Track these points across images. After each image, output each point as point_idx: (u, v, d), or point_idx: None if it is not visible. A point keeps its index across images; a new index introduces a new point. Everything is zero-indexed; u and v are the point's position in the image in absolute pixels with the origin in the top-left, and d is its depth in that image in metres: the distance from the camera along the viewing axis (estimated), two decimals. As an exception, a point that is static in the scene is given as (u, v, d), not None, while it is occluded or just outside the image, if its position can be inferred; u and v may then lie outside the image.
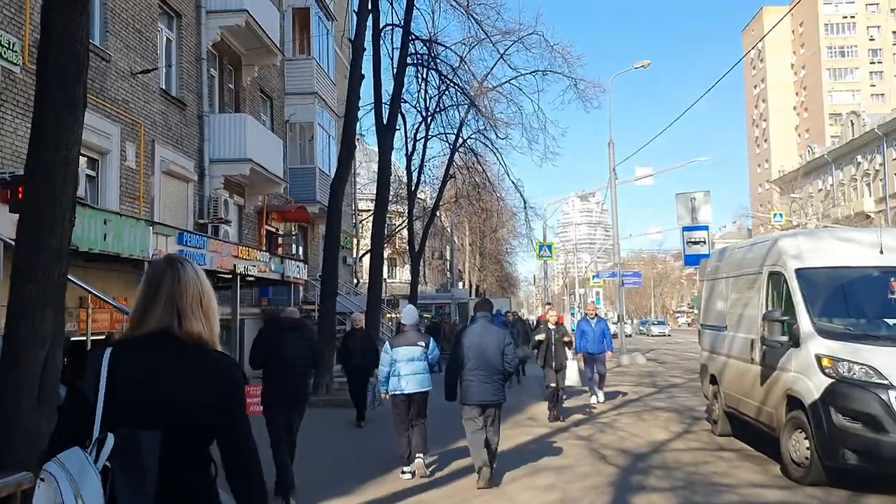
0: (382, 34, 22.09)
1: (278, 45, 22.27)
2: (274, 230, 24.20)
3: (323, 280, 18.09)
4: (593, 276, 45.30)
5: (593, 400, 15.13)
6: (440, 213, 48.21)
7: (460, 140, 30.36)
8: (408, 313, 9.48)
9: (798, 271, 8.59)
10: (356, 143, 39.16)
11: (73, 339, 12.83)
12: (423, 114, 29.34)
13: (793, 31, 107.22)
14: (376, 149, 23.37)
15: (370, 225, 23.92)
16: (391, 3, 24.10)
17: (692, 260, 18.23)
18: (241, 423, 2.48)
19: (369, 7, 19.28)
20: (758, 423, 9.40)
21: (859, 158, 67.21)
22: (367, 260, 28.02)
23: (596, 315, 16.02)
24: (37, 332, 5.92)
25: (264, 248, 20.18)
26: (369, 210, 31.72)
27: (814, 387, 7.71)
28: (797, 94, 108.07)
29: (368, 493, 8.15)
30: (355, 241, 35.21)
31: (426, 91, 27.72)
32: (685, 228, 18.36)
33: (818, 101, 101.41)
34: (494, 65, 29.68)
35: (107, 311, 13.60)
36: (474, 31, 25.84)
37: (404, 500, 7.84)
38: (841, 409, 7.44)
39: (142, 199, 15.48)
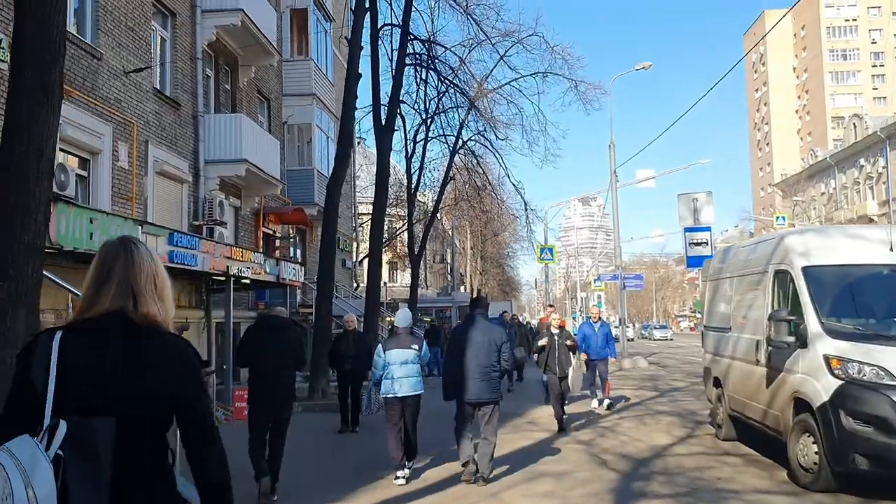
0: (381, 34, 21.84)
1: (275, 46, 22.00)
2: (271, 232, 23.92)
3: (319, 282, 17.81)
4: (595, 280, 44.97)
5: (594, 404, 14.71)
6: (441, 217, 48.00)
7: (460, 142, 30.15)
8: (401, 316, 9.48)
9: (805, 269, 8.29)
10: (356, 146, 39.23)
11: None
12: (423, 115, 29.15)
13: (794, 35, 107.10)
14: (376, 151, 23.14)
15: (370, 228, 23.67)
16: (390, 3, 23.94)
17: (694, 261, 17.92)
18: (200, 408, 2.42)
19: (367, 5, 19.04)
20: (764, 426, 9.09)
21: (862, 161, 66.94)
22: (367, 263, 27.74)
23: (599, 318, 15.53)
24: (8, 332, 5.66)
25: (261, 251, 19.90)
26: (370, 213, 31.53)
27: (822, 389, 7.41)
28: (799, 97, 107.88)
29: (360, 499, 7.90)
30: (355, 244, 34.94)
31: (426, 92, 27.51)
32: (687, 229, 18.05)
33: (820, 105, 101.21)
34: (495, 66, 29.40)
35: (97, 314, 13.35)
36: (474, 32, 25.62)
37: (397, 507, 7.57)
38: (851, 411, 7.14)
39: (134, 200, 15.20)
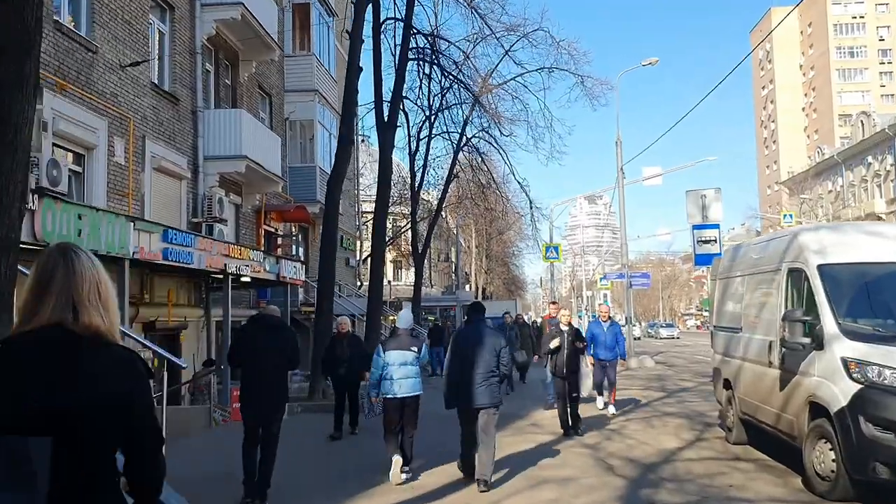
0: (383, 28, 21.55)
1: (276, 41, 21.69)
2: (273, 230, 23.62)
3: (320, 280, 17.49)
4: (601, 279, 44.61)
5: (600, 404, 14.18)
6: (446, 215, 47.68)
7: (464, 139, 29.84)
8: (403, 317, 9.51)
9: (821, 267, 7.93)
10: (361, 144, 38.91)
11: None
12: (426, 112, 28.87)
13: (801, 32, 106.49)
14: (380, 149, 22.83)
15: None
16: (392, -4, 23.62)
17: (703, 259, 17.56)
18: (144, 423, 2.28)
19: (368, -2, 18.73)
20: (777, 431, 8.73)
21: (870, 159, 66.43)
22: (370, 262, 27.47)
23: (608, 317, 14.73)
24: (-21, 332, 5.34)
25: (262, 249, 19.60)
26: (373, 211, 31.26)
27: (840, 393, 7.06)
28: (806, 95, 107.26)
29: (356, 505, 7.58)
30: (358, 243, 34.65)
31: (429, 88, 27.22)
32: (695, 227, 17.67)
33: (827, 102, 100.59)
34: (500, 61, 29.19)
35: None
36: (478, 26, 25.33)
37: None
38: (871, 417, 6.78)
39: (131, 196, 14.90)
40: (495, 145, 30.40)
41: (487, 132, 30.05)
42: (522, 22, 26.85)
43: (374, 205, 23.99)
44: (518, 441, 11.01)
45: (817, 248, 8.18)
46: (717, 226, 17.70)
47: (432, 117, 28.97)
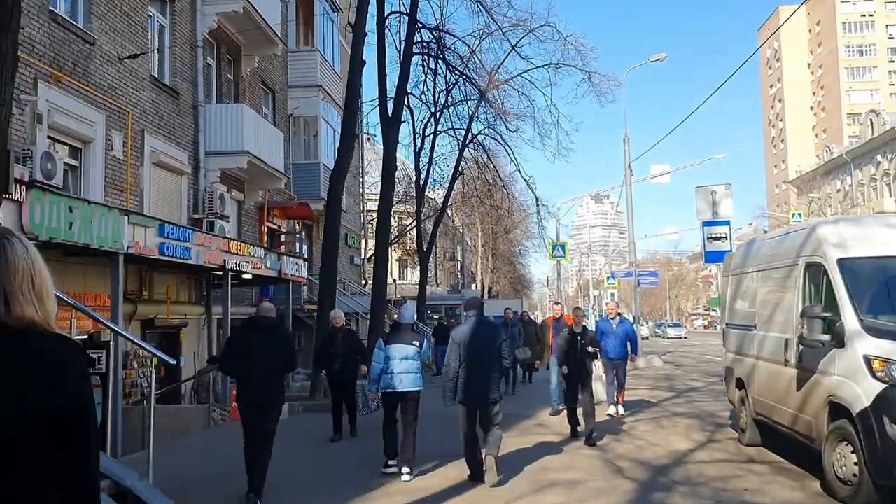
0: (388, 23, 21.22)
1: (279, 35, 21.40)
2: (276, 227, 23.33)
3: (322, 278, 17.17)
4: (608, 278, 44.21)
5: (611, 410, 13.38)
6: (451, 213, 47.37)
7: (470, 136, 29.52)
8: (405, 312, 9.42)
9: (841, 262, 7.57)
10: (367, 142, 38.62)
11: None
12: (432, 108, 28.57)
13: (810, 31, 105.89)
14: (384, 145, 22.52)
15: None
16: (397, -10, 23.31)
17: (713, 257, 17.13)
18: (82, 423, 2.08)
19: (371, -12, 18.42)
20: (794, 432, 8.37)
21: (879, 158, 65.88)
22: (374, 259, 27.20)
23: (618, 315, 14.07)
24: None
25: (265, 246, 19.31)
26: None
27: (863, 393, 6.70)
28: (814, 93, 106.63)
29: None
30: (363, 241, 34.37)
31: (434, 83, 26.92)
32: (705, 223, 17.27)
33: (836, 101, 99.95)
34: (506, 56, 28.82)
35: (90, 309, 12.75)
36: (484, 21, 25.03)
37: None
38: (896, 418, 6.44)
39: (129, 191, 14.62)
40: (501, 142, 30.12)
41: (493, 129, 29.76)
42: (529, 17, 26.47)
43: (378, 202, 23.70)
44: (524, 442, 10.69)
45: (837, 242, 7.82)
46: (727, 222, 17.30)
47: (438, 114, 28.68)
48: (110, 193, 14.00)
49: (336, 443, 11.07)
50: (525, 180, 42.87)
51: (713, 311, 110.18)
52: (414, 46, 21.92)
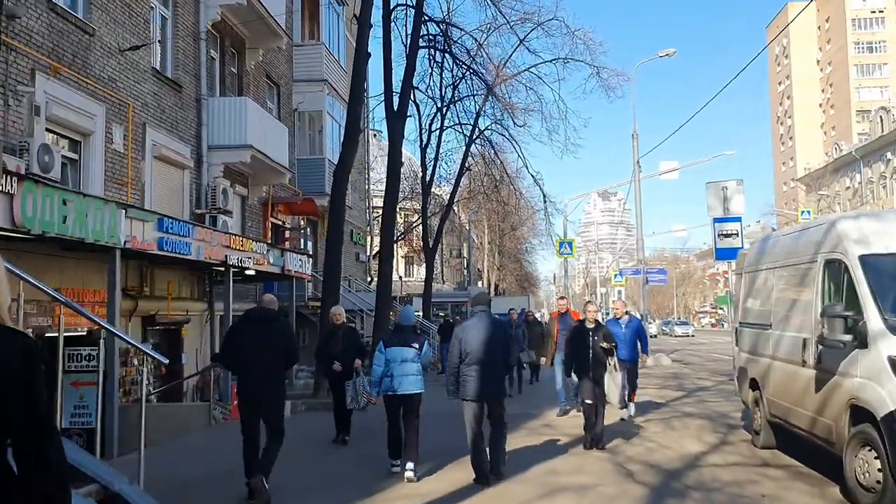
0: (394, 15, 20.94)
1: (284, 28, 21.13)
2: (280, 223, 23.08)
3: (325, 274, 16.91)
4: (615, 275, 43.84)
5: (623, 414, 12.57)
6: (458, 210, 47.08)
7: (477, 131, 29.23)
8: (405, 313, 9.38)
9: (863, 258, 7.24)
10: (373, 138, 38.34)
11: (47, 335, 11.80)
12: (438, 103, 28.29)
13: (819, 27, 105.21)
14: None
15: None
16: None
17: (724, 254, 16.80)
18: (30, 408, 2.21)
19: (376, -20, 18.13)
20: (812, 436, 8.05)
21: (889, 155, 65.46)
22: (378, 255, 26.97)
23: (627, 313, 13.28)
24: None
25: (268, 242, 19.04)
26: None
27: (888, 395, 6.38)
28: (823, 90, 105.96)
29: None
30: (369, 238, 34.12)
31: (441, 78, 26.64)
32: (716, 220, 16.91)
33: (845, 98, 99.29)
34: (514, 51, 28.47)
35: (87, 305, 12.50)
36: (492, 14, 24.74)
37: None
38: (923, 422, 6.13)
39: (130, 185, 14.38)
40: (508, 137, 29.84)
41: (500, 124, 29.47)
42: (537, 11, 26.32)
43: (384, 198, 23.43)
44: (531, 443, 10.40)
45: (858, 238, 7.49)
46: (738, 219, 16.94)
47: (444, 109, 28.42)
48: (110, 187, 13.77)
49: (337, 443, 10.77)
50: (532, 176, 42.56)
51: (720, 308, 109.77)
52: (420, 40, 21.67)
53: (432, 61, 25.86)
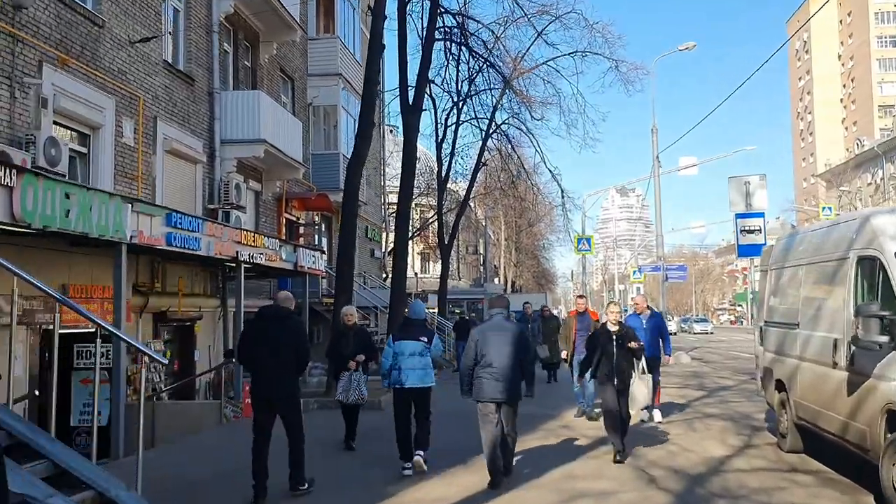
0: (409, 7, 20.60)
1: (298, 21, 20.88)
2: (294, 219, 22.85)
3: (338, 271, 16.62)
4: (634, 272, 43.38)
5: (644, 415, 11.96)
6: (474, 206, 46.76)
7: (493, 125, 28.91)
8: (415, 308, 9.40)
9: (900, 255, 6.87)
10: (389, 134, 38.04)
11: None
12: (455, 97, 27.98)
13: (840, 22, 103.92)
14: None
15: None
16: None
17: (746, 250, 16.42)
18: None
19: (391, -28, 17.82)
20: (843, 441, 7.66)
21: (912, 151, 64.46)
22: (393, 250, 26.71)
23: (648, 308, 12.59)
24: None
25: (281, 237, 18.81)
26: (400, 202, 30.52)
27: (928, 401, 6.03)
28: (844, 85, 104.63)
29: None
30: (385, 234, 33.86)
31: (458, 71, 26.34)
32: (738, 215, 16.51)
33: (867, 93, 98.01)
34: (532, 44, 28.11)
35: (96, 301, 12.31)
36: (509, 7, 24.44)
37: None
38: (966, 430, 5.76)
39: (140, 180, 14.16)
40: (525, 131, 29.48)
41: (518, 117, 29.10)
42: (555, 3, 25.65)
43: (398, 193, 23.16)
44: (548, 445, 10.10)
45: (895, 233, 7.11)
46: (761, 214, 16.54)
47: (460, 103, 28.09)
48: (120, 182, 13.55)
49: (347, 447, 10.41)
50: (550, 171, 42.25)
51: (739, 305, 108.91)
52: (436, 32, 21.35)
53: (448, 54, 25.58)
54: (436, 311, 28.32)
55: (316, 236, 24.76)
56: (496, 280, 57.44)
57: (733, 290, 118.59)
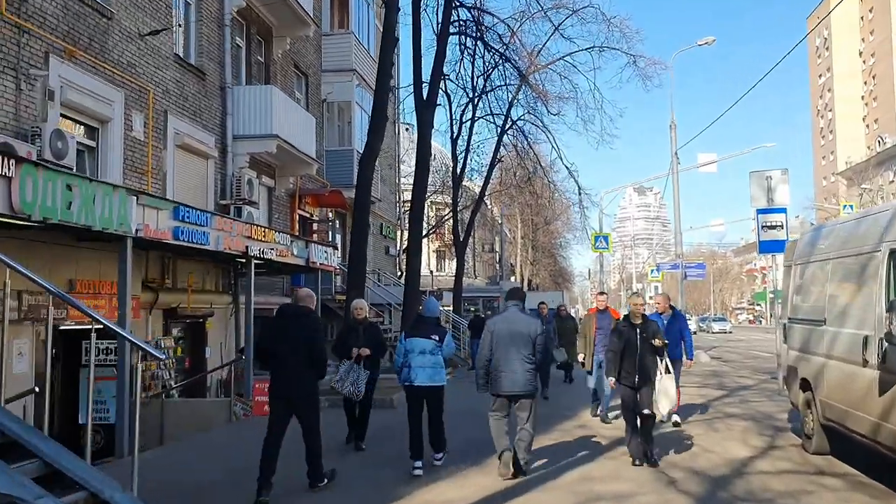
0: (424, 3, 20.35)
1: (311, 16, 20.66)
2: (308, 215, 22.64)
3: (350, 267, 16.37)
4: (652, 270, 42.92)
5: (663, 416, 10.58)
6: (490, 203, 46.45)
7: (509, 121, 28.59)
8: (428, 305, 9.26)
9: (937, 248, 6.53)
10: (405, 132, 37.79)
11: (62, 327, 11.42)
12: (470, 94, 27.70)
13: (862, 18, 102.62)
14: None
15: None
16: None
17: (768, 246, 15.99)
18: None
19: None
20: (875, 443, 7.29)
21: (936, 148, 63.51)
22: (407, 246, 26.46)
23: (670, 307, 11.93)
24: None
25: (293, 233, 18.58)
26: (415, 199, 30.26)
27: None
28: (865, 82, 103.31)
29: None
30: (400, 231, 33.63)
31: (473, 66, 26.06)
32: (760, 211, 16.09)
33: (889, 90, 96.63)
34: (548, 38, 27.80)
35: (104, 297, 12.12)
36: (525, 1, 24.12)
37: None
38: None
39: (150, 174, 13.97)
40: (542, 127, 29.15)
41: (534, 113, 28.77)
42: (572, -4, 25.25)
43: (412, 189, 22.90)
44: (564, 445, 9.80)
45: (930, 224, 6.77)
46: (784, 210, 16.11)
47: (476, 99, 27.79)
48: (130, 176, 13.37)
49: (350, 443, 10.11)
50: (567, 168, 41.93)
51: (758, 305, 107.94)
52: (451, 25, 21.06)
53: (463, 48, 25.29)
54: (451, 308, 28.05)
55: (330, 233, 24.54)
56: (512, 278, 57.07)
57: (752, 290, 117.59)
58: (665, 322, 11.32)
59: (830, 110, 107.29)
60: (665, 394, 8.75)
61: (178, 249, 12.56)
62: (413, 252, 18.93)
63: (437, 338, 8.55)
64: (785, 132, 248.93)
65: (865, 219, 8.33)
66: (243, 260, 13.81)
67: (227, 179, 17.08)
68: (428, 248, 45.36)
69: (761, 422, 11.77)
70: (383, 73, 16.47)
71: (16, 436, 5.28)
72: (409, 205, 20.63)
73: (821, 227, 10.20)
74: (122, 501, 5.10)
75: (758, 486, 7.56)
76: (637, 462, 8.52)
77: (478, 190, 33.18)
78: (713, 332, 62.07)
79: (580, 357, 12.60)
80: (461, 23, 23.42)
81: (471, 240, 34.77)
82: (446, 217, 40.07)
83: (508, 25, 25.36)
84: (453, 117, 28.52)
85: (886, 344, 6.82)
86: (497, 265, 56.66)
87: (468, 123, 28.62)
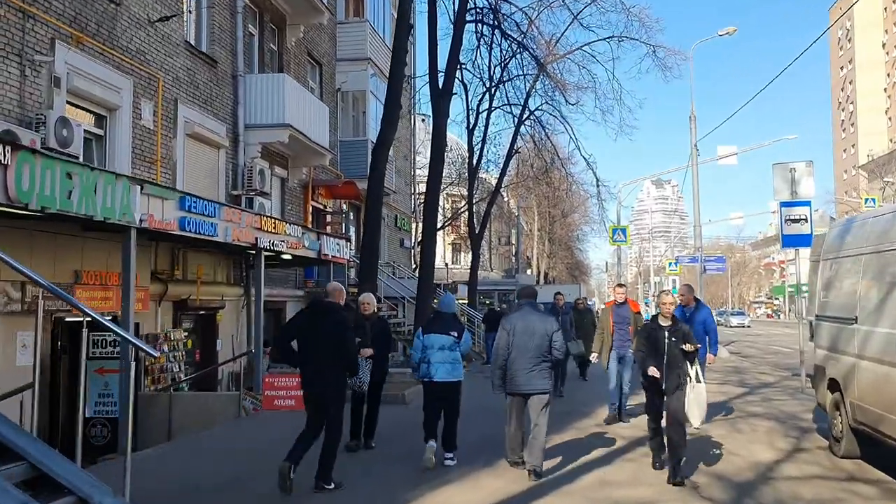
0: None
1: (326, 3, 20.32)
2: (321, 207, 22.34)
3: (362, 257, 16.06)
4: (670, 263, 42.36)
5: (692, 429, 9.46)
6: (507, 195, 46.04)
7: (527, 112, 28.17)
8: (445, 300, 9.20)
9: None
10: (421, 123, 37.44)
11: (67, 319, 11.18)
12: (487, 83, 27.30)
13: (885, 9, 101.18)
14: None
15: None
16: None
17: (792, 240, 15.53)
18: None
19: (420, -49, 17.20)
20: (912, 449, 6.94)
21: (960, 141, 62.43)
22: (421, 238, 26.15)
23: (694, 299, 11.41)
24: None
25: (305, 225, 18.30)
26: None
27: None
28: (888, 74, 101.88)
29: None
30: (415, 224, 33.30)
31: (490, 55, 25.65)
32: (783, 204, 15.63)
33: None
34: (567, 27, 27.32)
35: (112, 288, 11.86)
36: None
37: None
38: None
39: (159, 164, 13.71)
40: (560, 118, 28.70)
41: (551, 104, 28.34)
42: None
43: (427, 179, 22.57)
44: (580, 445, 9.45)
45: (973, 218, 6.36)
46: (808, 203, 15.64)
47: (493, 89, 27.41)
48: (139, 165, 13.11)
49: (353, 446, 9.69)
50: (585, 159, 41.52)
51: (776, 299, 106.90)
52: (468, 13, 20.66)
53: (480, 37, 24.88)
54: (466, 302, 27.73)
55: (343, 225, 24.24)
56: (529, 271, 56.71)
57: (770, 283, 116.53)
58: (688, 315, 10.90)
59: (852, 102, 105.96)
60: (697, 403, 7.90)
61: (187, 240, 12.32)
62: (427, 245, 18.58)
63: (455, 334, 8.50)
64: (804, 125, 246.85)
65: (901, 212, 7.91)
66: (253, 252, 13.52)
67: (238, 169, 16.81)
68: (443, 241, 45.06)
69: (786, 422, 11.35)
70: (397, 60, 16.12)
71: (3, 437, 4.99)
72: (424, 196, 20.26)
73: (851, 221, 9.75)
74: (113, 507, 4.80)
75: (786, 492, 7.17)
76: (657, 466, 8.13)
77: (494, 182, 32.77)
78: (731, 327, 61.47)
79: (593, 357, 12.13)
80: (478, 10, 23.02)
81: (486, 232, 34.38)
82: (462, 209, 39.68)
83: (526, 14, 24.98)
84: (470, 107, 28.18)
85: (926, 345, 6.43)
86: (513, 258, 56.24)
87: (485, 113, 28.26)
